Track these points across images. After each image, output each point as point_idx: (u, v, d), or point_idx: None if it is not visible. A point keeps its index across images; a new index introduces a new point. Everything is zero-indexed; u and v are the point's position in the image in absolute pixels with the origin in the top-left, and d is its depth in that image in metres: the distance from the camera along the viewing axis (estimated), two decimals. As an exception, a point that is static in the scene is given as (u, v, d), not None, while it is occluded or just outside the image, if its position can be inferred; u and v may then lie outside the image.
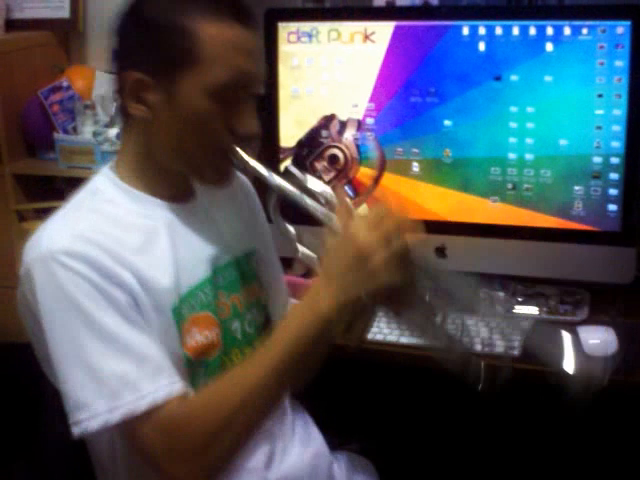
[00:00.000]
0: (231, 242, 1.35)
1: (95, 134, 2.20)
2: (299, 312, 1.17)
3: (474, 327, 1.55)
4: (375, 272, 1.12)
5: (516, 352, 1.54)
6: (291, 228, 1.26)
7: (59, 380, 1.14)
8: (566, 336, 1.34)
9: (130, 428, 1.13)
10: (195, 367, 1.23)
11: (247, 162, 1.23)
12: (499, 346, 1.55)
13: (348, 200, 1.23)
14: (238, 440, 1.17)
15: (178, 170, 1.25)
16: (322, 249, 1.20)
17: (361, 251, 1.13)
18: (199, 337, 1.24)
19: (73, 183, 2.34)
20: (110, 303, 1.13)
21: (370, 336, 1.61)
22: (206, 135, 1.20)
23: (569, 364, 1.20)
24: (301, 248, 1.27)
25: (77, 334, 1.12)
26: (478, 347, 1.51)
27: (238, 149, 1.22)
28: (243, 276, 1.36)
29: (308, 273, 1.30)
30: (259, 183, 1.29)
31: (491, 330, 1.53)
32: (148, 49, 1.18)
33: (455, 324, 1.28)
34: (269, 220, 1.32)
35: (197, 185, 1.32)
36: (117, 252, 1.16)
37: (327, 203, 1.23)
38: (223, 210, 1.37)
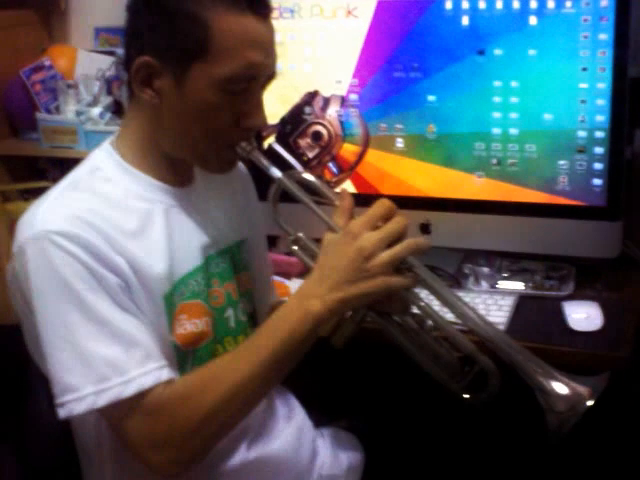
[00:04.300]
0: (225, 230, 1.35)
1: (78, 113, 2.19)
2: (290, 308, 1.16)
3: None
4: (373, 274, 1.12)
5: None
6: (288, 228, 1.26)
7: (47, 361, 1.13)
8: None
9: (115, 413, 1.13)
10: (184, 355, 1.23)
11: (251, 154, 1.23)
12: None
13: (350, 198, 1.21)
14: (219, 433, 1.17)
15: (181, 157, 1.25)
16: (320, 247, 1.19)
17: (361, 250, 1.12)
18: (189, 325, 1.23)
19: (56, 163, 2.35)
20: (102, 286, 1.12)
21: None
22: (212, 125, 1.19)
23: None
24: (295, 247, 1.26)
25: (67, 316, 1.11)
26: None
27: (243, 142, 1.21)
28: (235, 264, 1.35)
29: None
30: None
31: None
32: (161, 35, 1.16)
33: (443, 332, 1.23)
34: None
35: (198, 170, 1.31)
36: (112, 236, 1.15)
37: (320, 195, 1.22)
38: (219, 196, 1.36)
